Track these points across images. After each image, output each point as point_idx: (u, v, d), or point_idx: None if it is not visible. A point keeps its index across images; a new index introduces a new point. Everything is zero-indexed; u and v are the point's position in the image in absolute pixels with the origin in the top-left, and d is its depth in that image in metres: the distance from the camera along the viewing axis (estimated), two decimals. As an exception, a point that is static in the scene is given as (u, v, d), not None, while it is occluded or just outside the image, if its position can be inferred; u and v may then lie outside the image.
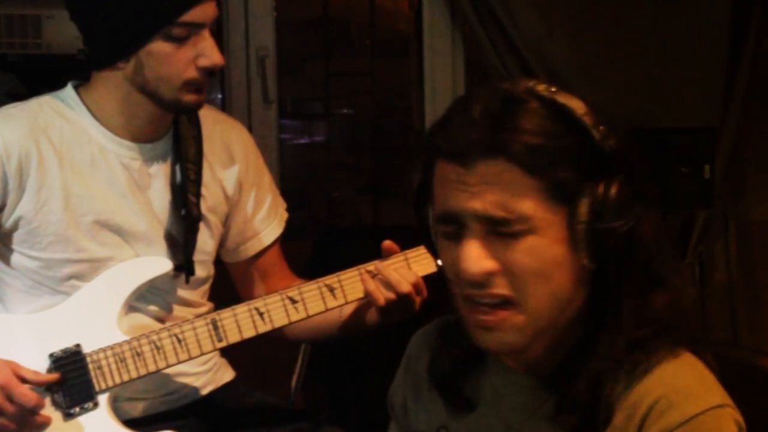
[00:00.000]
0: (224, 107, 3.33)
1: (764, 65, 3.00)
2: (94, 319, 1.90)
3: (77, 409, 1.86)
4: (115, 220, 1.95)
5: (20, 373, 1.81)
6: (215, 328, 1.91)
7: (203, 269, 2.07)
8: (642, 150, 2.80)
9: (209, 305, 2.12)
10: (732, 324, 3.10)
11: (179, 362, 1.91)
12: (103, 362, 1.87)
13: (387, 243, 1.95)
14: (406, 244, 1.96)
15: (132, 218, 1.96)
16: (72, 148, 1.94)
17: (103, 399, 1.87)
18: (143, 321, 1.99)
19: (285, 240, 2.22)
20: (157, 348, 1.89)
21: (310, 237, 3.32)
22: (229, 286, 2.23)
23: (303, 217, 3.93)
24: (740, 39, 2.98)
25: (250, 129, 2.25)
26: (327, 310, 1.96)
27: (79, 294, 1.93)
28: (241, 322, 1.92)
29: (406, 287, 1.91)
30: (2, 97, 2.75)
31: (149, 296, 2.00)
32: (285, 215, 2.21)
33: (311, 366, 2.71)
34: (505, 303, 1.22)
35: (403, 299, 1.91)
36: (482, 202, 1.19)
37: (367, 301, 1.97)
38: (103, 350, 1.88)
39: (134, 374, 1.88)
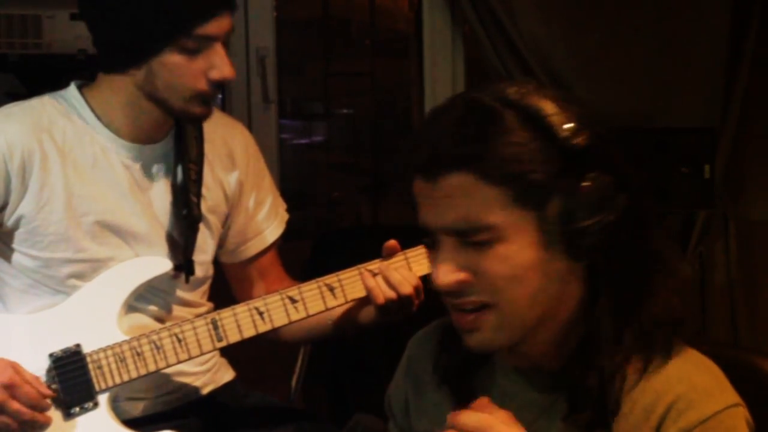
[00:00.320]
0: (224, 107, 3.33)
1: (764, 65, 3.00)
2: (94, 318, 1.90)
3: (77, 409, 1.86)
4: (116, 221, 1.95)
5: (21, 375, 1.81)
6: (215, 327, 1.92)
7: (203, 269, 2.07)
8: (642, 150, 2.80)
9: (209, 305, 2.12)
10: (732, 324, 3.10)
11: (179, 362, 1.91)
12: (103, 362, 1.87)
13: (390, 243, 1.96)
14: (406, 244, 1.96)
15: (133, 219, 1.96)
16: (74, 148, 1.94)
17: (103, 399, 1.88)
18: (143, 321, 1.99)
19: (285, 240, 2.22)
20: (157, 348, 1.89)
21: (310, 237, 3.32)
22: (229, 286, 2.23)
23: (303, 217, 3.93)
24: (740, 39, 2.98)
25: (250, 129, 2.24)
26: (327, 309, 1.96)
27: (79, 294, 1.93)
28: (241, 322, 1.92)
29: (407, 288, 1.91)
30: (2, 97, 2.75)
31: (149, 296, 2.00)
32: (285, 216, 2.21)
33: (311, 366, 2.71)
34: (483, 307, 1.24)
35: (403, 300, 1.91)
36: (447, 216, 1.22)
37: (365, 300, 1.97)
38: (103, 350, 1.88)
39: (134, 374, 1.88)
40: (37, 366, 1.85)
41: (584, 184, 1.21)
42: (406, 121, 3.95)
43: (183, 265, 2.00)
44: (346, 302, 1.97)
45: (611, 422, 1.23)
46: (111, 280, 1.93)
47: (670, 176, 2.82)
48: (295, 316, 1.94)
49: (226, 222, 2.12)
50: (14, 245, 1.94)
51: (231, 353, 2.17)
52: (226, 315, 1.92)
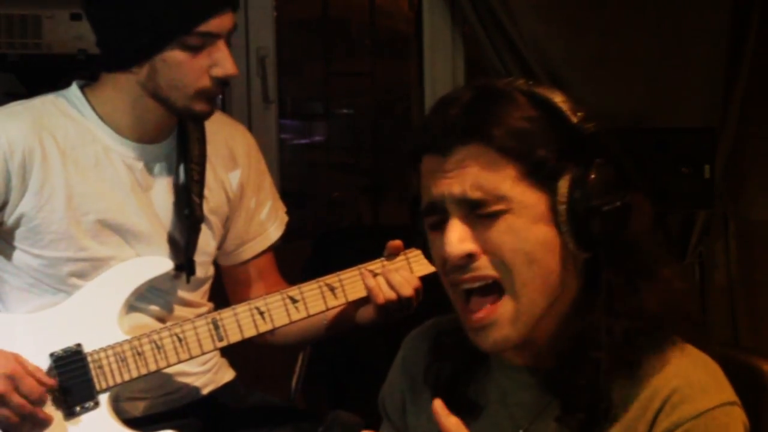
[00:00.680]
0: (224, 107, 3.33)
1: (764, 65, 3.00)
2: (95, 318, 1.91)
3: (78, 409, 1.86)
4: (117, 220, 1.95)
5: (24, 366, 1.80)
6: (216, 327, 1.92)
7: (204, 270, 2.07)
8: (642, 150, 2.80)
9: (209, 305, 2.13)
10: (732, 324, 3.10)
11: (180, 362, 1.91)
12: (104, 362, 1.87)
13: (394, 243, 1.95)
14: (406, 244, 1.97)
15: (134, 218, 1.96)
16: (76, 147, 1.94)
17: (103, 398, 1.88)
18: (144, 320, 1.99)
19: (285, 240, 2.22)
20: (158, 347, 1.89)
21: (310, 237, 3.32)
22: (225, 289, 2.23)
23: (303, 217, 3.93)
24: (740, 39, 2.98)
25: (250, 129, 2.25)
26: (327, 309, 1.96)
27: (80, 293, 1.93)
28: (242, 322, 1.92)
29: (407, 290, 1.91)
30: (2, 97, 2.75)
31: (150, 296, 2.00)
32: (285, 218, 2.21)
33: (311, 366, 2.71)
34: (494, 289, 1.23)
35: (402, 301, 1.91)
36: (460, 185, 1.22)
37: (364, 300, 1.97)
38: (104, 350, 1.88)
39: (135, 374, 1.88)
40: (38, 365, 1.85)
41: (593, 166, 1.22)
42: (406, 121, 3.95)
43: (184, 264, 2.00)
44: (347, 302, 1.97)
45: (604, 423, 1.23)
46: (112, 279, 1.93)
47: (670, 176, 2.82)
48: (295, 316, 1.94)
49: (227, 223, 2.12)
50: (15, 243, 1.94)
51: (231, 353, 2.17)
52: (226, 315, 1.92)
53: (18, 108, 1.96)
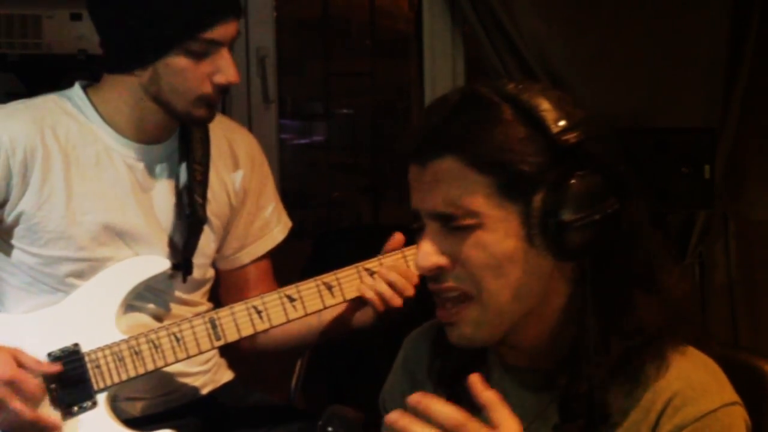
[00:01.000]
0: (224, 107, 3.32)
1: (764, 65, 3.00)
2: (93, 318, 1.90)
3: (76, 408, 1.86)
4: (117, 221, 1.95)
5: (21, 360, 1.80)
6: (213, 326, 1.91)
7: (202, 271, 2.07)
8: (642, 150, 2.80)
9: (208, 305, 2.12)
10: (732, 324, 3.09)
11: (177, 361, 1.91)
12: (102, 361, 1.87)
13: (393, 240, 1.94)
14: (406, 244, 1.96)
15: (134, 219, 1.96)
16: (77, 147, 1.94)
17: (101, 398, 1.87)
18: (142, 320, 1.98)
19: (285, 240, 2.21)
20: (156, 347, 1.89)
21: (310, 237, 3.32)
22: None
23: (303, 217, 3.93)
24: (740, 39, 2.98)
25: (250, 129, 2.25)
26: (325, 308, 1.95)
27: (78, 293, 1.93)
28: (240, 321, 1.92)
29: (407, 288, 1.90)
30: (2, 97, 2.75)
31: (148, 295, 2.00)
32: (288, 224, 2.19)
33: (311, 366, 2.71)
34: (463, 298, 1.25)
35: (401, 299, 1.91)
36: (432, 199, 1.24)
37: (361, 303, 1.96)
38: (102, 349, 1.88)
39: (133, 373, 1.88)
40: (34, 362, 1.85)
41: (570, 179, 1.21)
42: (406, 121, 3.95)
43: (181, 264, 2.00)
44: (345, 301, 1.97)
45: (603, 429, 1.23)
46: (109, 279, 1.93)
47: (670, 176, 2.81)
48: (293, 315, 1.93)
49: (227, 226, 2.11)
50: (13, 242, 1.94)
51: (231, 353, 2.17)
52: (224, 314, 1.92)
53: (20, 106, 1.96)
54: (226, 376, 2.18)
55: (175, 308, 2.04)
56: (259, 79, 3.32)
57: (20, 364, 1.79)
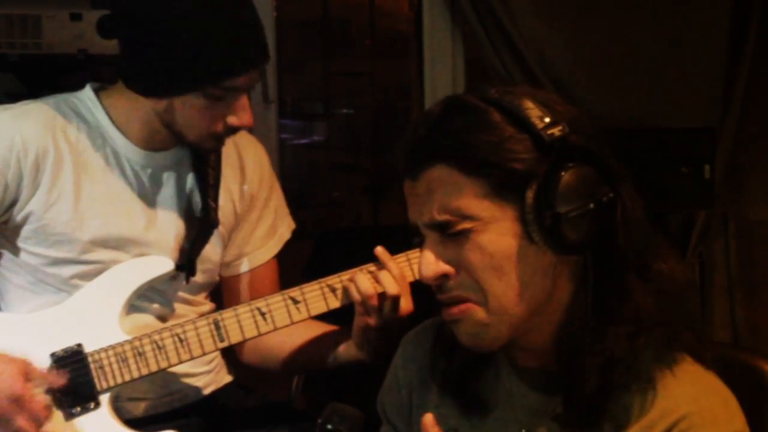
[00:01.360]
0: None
1: (764, 65, 3.00)
2: (96, 318, 1.91)
3: (78, 409, 1.86)
4: (123, 226, 1.95)
5: (29, 372, 1.77)
6: (217, 328, 1.92)
7: (207, 276, 2.07)
8: (642, 150, 2.80)
9: (211, 305, 2.13)
10: (732, 324, 3.10)
11: (181, 362, 1.91)
12: (105, 362, 1.87)
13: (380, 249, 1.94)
14: (406, 245, 1.96)
15: (139, 225, 1.96)
16: (87, 149, 1.94)
17: (104, 399, 1.88)
18: (145, 321, 1.99)
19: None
20: (159, 348, 1.89)
21: (310, 237, 3.32)
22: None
23: (303, 217, 3.93)
24: (740, 39, 2.98)
25: (249, 129, 2.24)
26: (329, 310, 1.95)
27: (81, 293, 1.93)
28: (243, 323, 1.92)
29: (394, 288, 1.89)
30: (2, 97, 2.75)
31: (151, 296, 2.00)
32: (286, 236, 2.19)
33: (311, 366, 2.71)
34: (468, 301, 1.26)
35: (393, 299, 1.90)
36: (428, 211, 1.25)
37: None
38: (105, 350, 1.88)
39: (136, 374, 1.88)
40: (39, 365, 1.85)
41: (559, 173, 1.22)
42: (406, 121, 3.95)
43: (185, 264, 2.00)
44: (349, 303, 1.96)
45: (604, 427, 1.23)
46: (113, 279, 1.93)
47: (670, 176, 2.82)
48: (297, 317, 1.93)
49: (231, 234, 2.11)
50: (19, 242, 1.94)
51: (232, 354, 2.17)
52: (228, 315, 1.92)
53: (32, 107, 1.95)
54: (228, 376, 2.19)
55: (179, 309, 2.04)
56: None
57: (27, 378, 1.77)
